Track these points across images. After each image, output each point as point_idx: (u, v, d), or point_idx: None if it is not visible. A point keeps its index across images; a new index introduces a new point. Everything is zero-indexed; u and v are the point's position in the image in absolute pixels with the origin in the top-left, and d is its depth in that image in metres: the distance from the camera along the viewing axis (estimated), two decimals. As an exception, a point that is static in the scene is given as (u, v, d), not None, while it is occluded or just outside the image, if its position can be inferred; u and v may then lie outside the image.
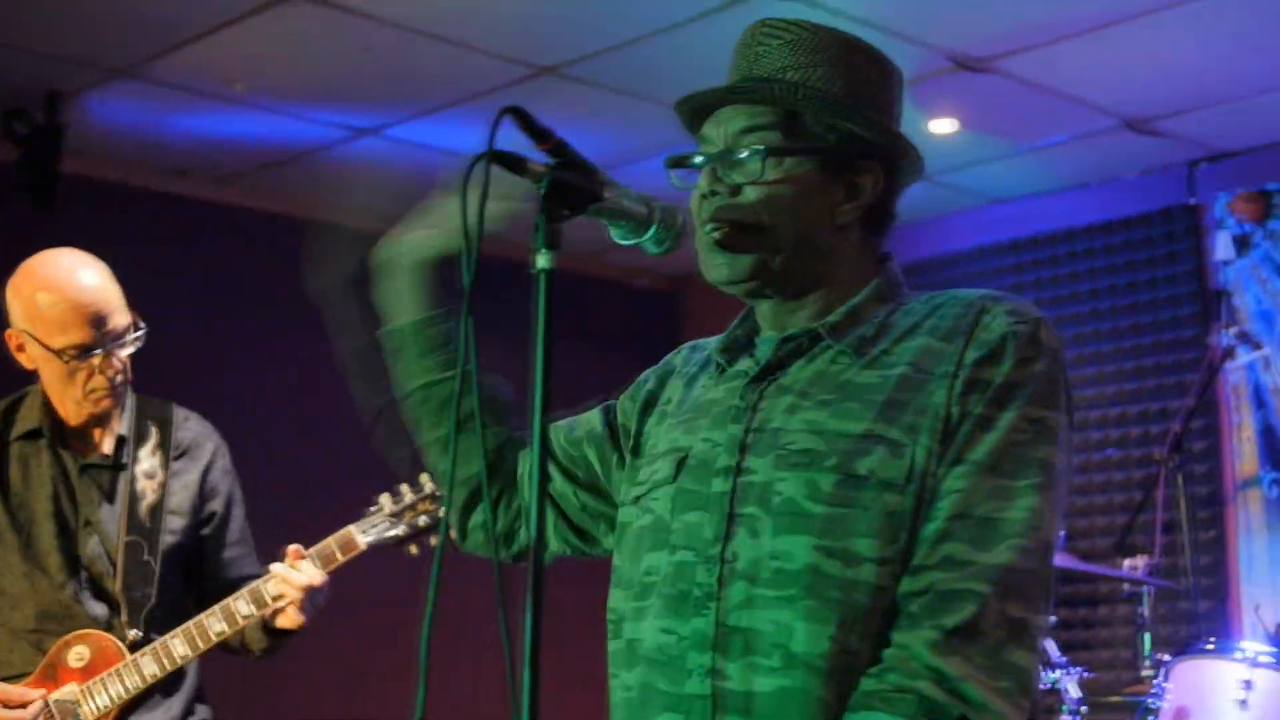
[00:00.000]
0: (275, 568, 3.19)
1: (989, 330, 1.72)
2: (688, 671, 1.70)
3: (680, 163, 1.89)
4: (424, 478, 3.24)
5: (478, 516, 2.11)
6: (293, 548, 3.23)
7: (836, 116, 1.80)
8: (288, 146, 6.18)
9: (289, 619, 3.19)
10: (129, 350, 3.21)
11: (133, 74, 5.33)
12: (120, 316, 3.17)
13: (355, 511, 3.33)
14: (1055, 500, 1.68)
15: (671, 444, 1.88)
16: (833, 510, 1.67)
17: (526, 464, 2.06)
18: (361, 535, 3.26)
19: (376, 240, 2.11)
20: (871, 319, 1.82)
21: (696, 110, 1.90)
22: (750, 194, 1.79)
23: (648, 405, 2.03)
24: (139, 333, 3.21)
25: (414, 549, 3.31)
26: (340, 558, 3.24)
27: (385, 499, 3.29)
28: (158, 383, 3.49)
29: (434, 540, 3.27)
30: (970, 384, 1.69)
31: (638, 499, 1.90)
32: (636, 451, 1.99)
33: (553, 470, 2.08)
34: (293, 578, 3.16)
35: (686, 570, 1.75)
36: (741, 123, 1.82)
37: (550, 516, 2.08)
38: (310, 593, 3.18)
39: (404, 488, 3.29)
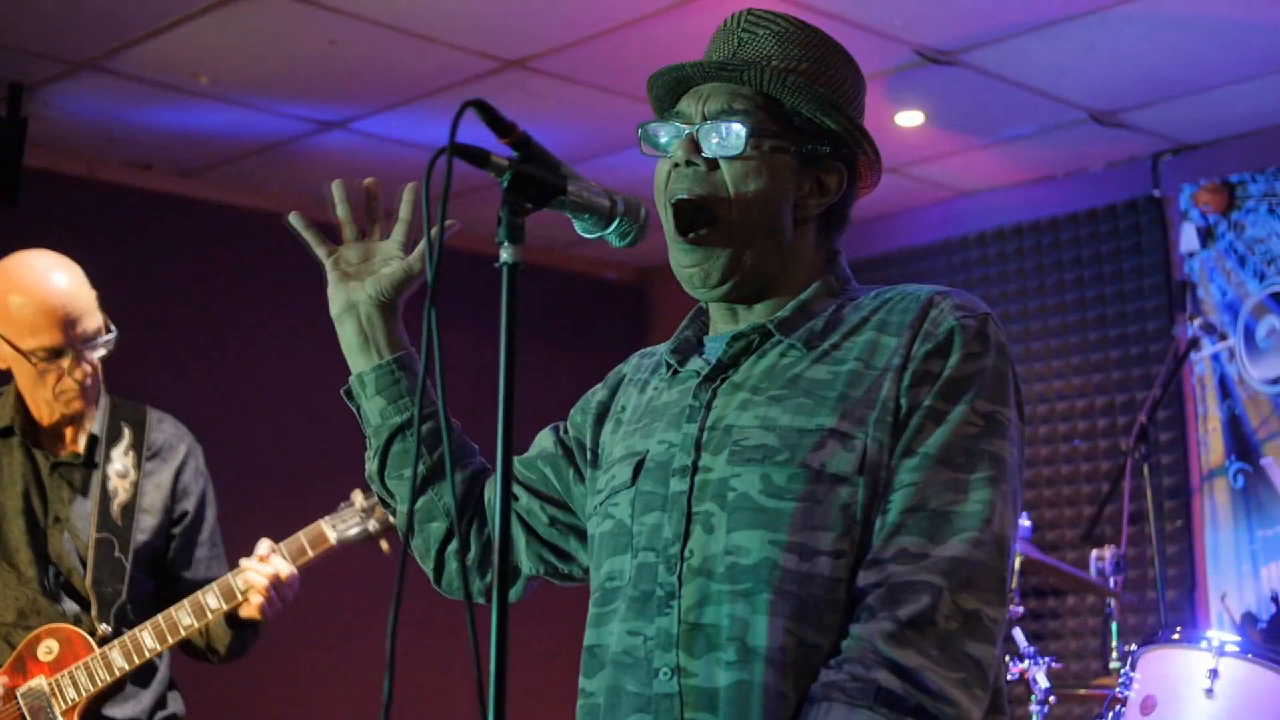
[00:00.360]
0: (245, 560, 3.19)
1: (937, 324, 1.74)
2: (654, 671, 1.71)
3: (655, 130, 1.90)
4: None
5: (451, 552, 2.09)
6: (262, 543, 3.23)
7: (818, 111, 1.83)
8: (254, 140, 6.14)
9: (252, 609, 3.19)
10: (99, 354, 3.23)
11: (96, 67, 5.29)
12: (91, 320, 3.18)
13: (327, 504, 3.33)
14: (1008, 495, 1.70)
15: (628, 449, 1.89)
16: (786, 504, 1.69)
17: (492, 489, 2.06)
18: (332, 530, 3.26)
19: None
20: (821, 313, 1.84)
21: (672, 86, 1.90)
22: (726, 170, 1.81)
23: (600, 416, 2.04)
24: (109, 336, 3.21)
25: (385, 545, 3.31)
26: (310, 553, 3.24)
27: (357, 495, 3.29)
28: (124, 376, 3.48)
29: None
30: (919, 376, 1.72)
31: (598, 506, 1.92)
32: (595, 463, 2.01)
33: (517, 489, 2.08)
34: (261, 568, 3.16)
35: (648, 571, 1.76)
36: (723, 101, 1.83)
37: (520, 537, 2.09)
38: (277, 585, 3.18)
39: None
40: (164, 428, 3.43)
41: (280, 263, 4.21)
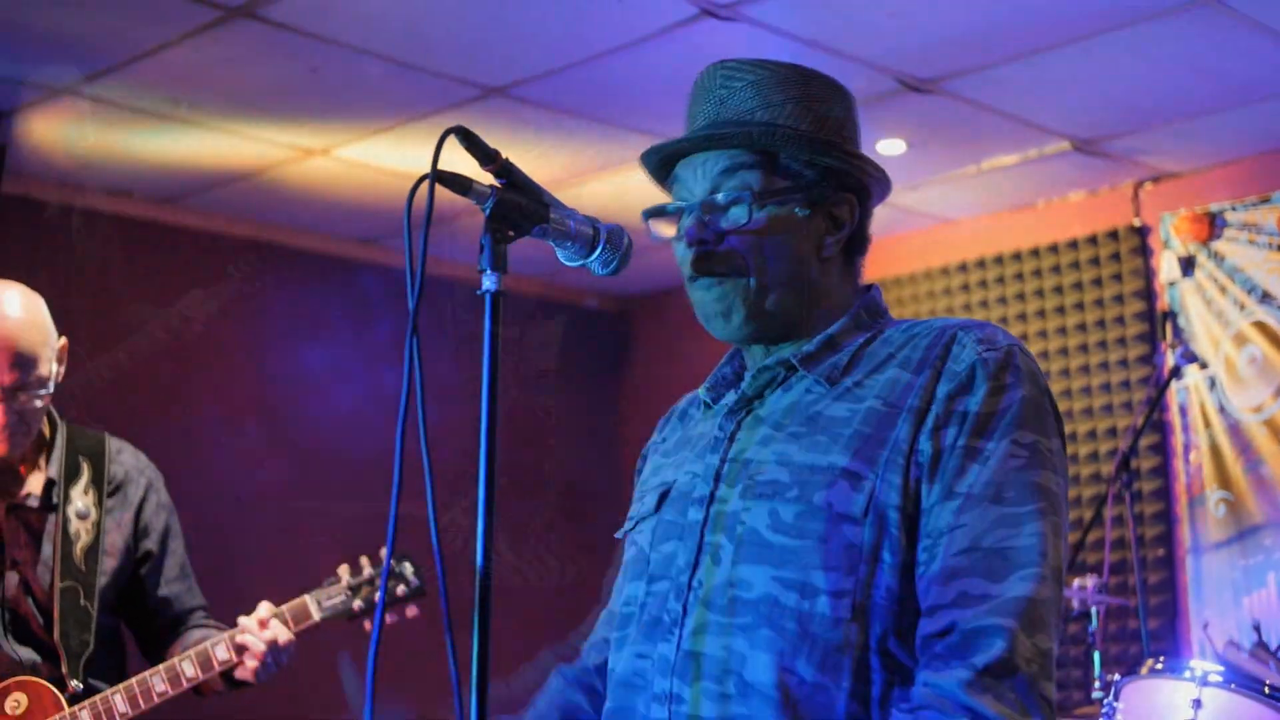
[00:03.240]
0: (244, 620, 3.13)
1: (958, 361, 1.73)
2: (652, 695, 1.72)
3: (659, 213, 1.89)
4: (383, 551, 3.14)
5: None
6: (263, 605, 3.17)
7: (813, 153, 1.82)
8: (235, 167, 6.12)
9: (247, 672, 3.14)
10: (35, 403, 3.05)
11: (74, 92, 5.27)
12: (31, 364, 2.99)
13: (304, 530, 3.29)
14: (1059, 526, 1.68)
15: (660, 479, 1.91)
16: (791, 541, 1.68)
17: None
18: (316, 607, 3.22)
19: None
20: (848, 347, 1.83)
21: (667, 158, 1.90)
22: (738, 242, 1.80)
23: (646, 457, 2.07)
24: (44, 390, 3.05)
25: (367, 624, 3.26)
26: (292, 627, 3.18)
27: (344, 570, 3.24)
28: (100, 405, 3.44)
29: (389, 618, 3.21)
30: (945, 418, 1.69)
31: (626, 534, 1.94)
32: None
33: None
34: (261, 634, 3.11)
35: (658, 598, 1.77)
36: (721, 165, 1.83)
37: None
38: (275, 650, 3.13)
39: (364, 560, 3.25)
40: (123, 459, 3.30)
41: (262, 289, 4.20)
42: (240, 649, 3.11)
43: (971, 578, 1.62)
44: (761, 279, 1.80)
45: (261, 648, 3.09)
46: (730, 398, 1.90)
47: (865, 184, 1.89)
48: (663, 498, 1.86)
